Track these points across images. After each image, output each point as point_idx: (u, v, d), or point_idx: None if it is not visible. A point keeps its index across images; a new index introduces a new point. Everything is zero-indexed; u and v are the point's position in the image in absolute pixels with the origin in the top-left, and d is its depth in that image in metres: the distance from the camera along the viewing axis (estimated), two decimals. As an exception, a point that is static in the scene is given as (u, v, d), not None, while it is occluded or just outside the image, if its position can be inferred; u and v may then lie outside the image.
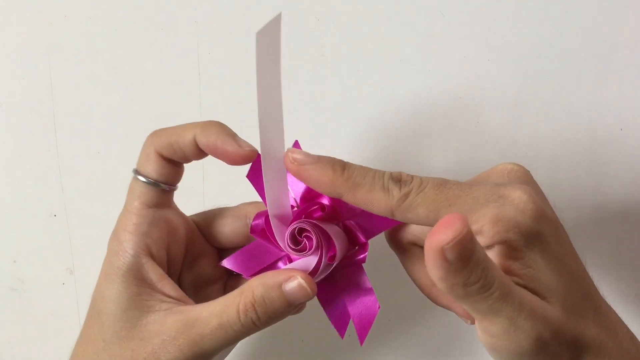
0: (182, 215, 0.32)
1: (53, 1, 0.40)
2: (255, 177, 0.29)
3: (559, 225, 0.27)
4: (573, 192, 0.41)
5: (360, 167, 0.26)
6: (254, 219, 0.30)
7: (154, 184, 0.29)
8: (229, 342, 0.27)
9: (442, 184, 0.26)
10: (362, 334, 0.29)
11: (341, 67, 0.40)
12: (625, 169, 0.41)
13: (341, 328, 0.30)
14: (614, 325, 0.27)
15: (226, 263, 0.31)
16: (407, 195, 0.25)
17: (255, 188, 0.29)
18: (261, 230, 0.29)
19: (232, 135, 0.28)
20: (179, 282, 0.31)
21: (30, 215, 0.40)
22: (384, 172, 0.26)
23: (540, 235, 0.25)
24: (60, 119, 0.40)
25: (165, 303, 0.28)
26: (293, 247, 0.28)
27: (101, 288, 0.29)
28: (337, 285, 0.30)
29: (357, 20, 0.40)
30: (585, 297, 0.26)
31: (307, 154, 0.26)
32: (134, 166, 0.30)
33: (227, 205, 0.33)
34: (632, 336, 0.28)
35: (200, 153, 0.29)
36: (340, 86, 0.41)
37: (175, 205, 0.31)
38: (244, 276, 0.31)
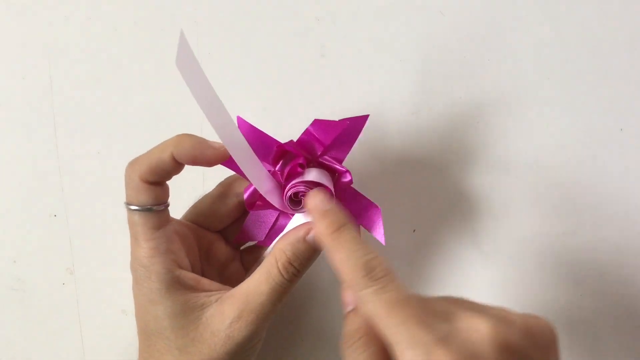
0: (181, 222, 0.34)
1: (53, 1, 0.40)
2: (228, 162, 0.32)
3: None
4: (573, 192, 0.41)
5: (352, 237, 0.28)
6: (245, 192, 0.33)
7: (149, 209, 0.31)
8: (282, 298, 0.31)
9: (396, 303, 0.26)
10: (380, 236, 0.33)
11: (341, 67, 0.41)
12: (625, 169, 0.41)
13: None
14: None
15: (239, 238, 0.35)
16: (365, 286, 0.26)
17: (232, 169, 0.32)
18: (257, 202, 0.33)
19: (205, 141, 0.30)
20: (205, 276, 0.34)
21: (30, 215, 0.40)
22: (366, 253, 0.27)
23: None
24: (60, 119, 0.40)
25: (213, 296, 0.31)
26: (295, 208, 0.32)
27: (149, 312, 0.31)
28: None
29: (357, 20, 0.40)
30: None
31: (323, 202, 0.29)
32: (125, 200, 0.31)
33: (207, 192, 0.35)
34: None
35: (179, 167, 0.31)
36: (340, 86, 0.41)
37: (171, 217, 0.33)
38: (259, 242, 0.35)
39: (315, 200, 0.29)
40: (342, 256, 0.27)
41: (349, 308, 0.29)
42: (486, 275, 0.42)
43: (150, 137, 0.40)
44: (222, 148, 0.30)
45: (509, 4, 0.40)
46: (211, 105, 0.28)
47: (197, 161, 0.30)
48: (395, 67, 0.41)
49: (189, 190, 0.40)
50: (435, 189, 0.41)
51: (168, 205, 0.32)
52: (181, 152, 0.30)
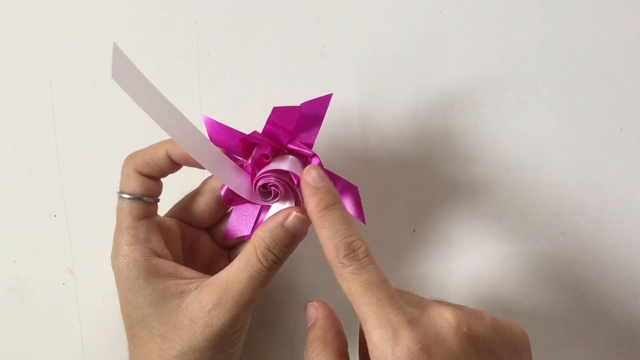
0: (167, 217, 0.35)
1: (53, 1, 0.40)
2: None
3: None
4: (573, 193, 0.41)
5: (339, 216, 0.29)
6: (221, 189, 0.33)
7: (139, 198, 0.32)
8: (263, 287, 0.31)
9: (372, 284, 0.27)
10: (360, 215, 0.33)
11: (341, 67, 0.41)
12: (625, 169, 0.41)
13: None
14: None
15: (226, 237, 0.35)
16: (345, 265, 0.28)
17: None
18: (233, 198, 0.33)
19: None
20: None
21: (30, 215, 0.40)
22: (350, 234, 0.28)
23: None
24: (60, 119, 0.40)
25: (192, 283, 0.31)
26: (266, 199, 0.32)
27: (130, 300, 0.31)
28: None
29: (357, 20, 0.40)
30: None
31: (315, 179, 0.29)
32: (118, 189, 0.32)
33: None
34: None
35: (174, 166, 0.32)
36: (340, 86, 0.41)
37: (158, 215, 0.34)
38: (245, 237, 0.35)
39: (308, 177, 0.30)
40: (328, 233, 0.28)
41: (310, 323, 0.31)
42: (486, 275, 0.41)
43: (150, 137, 0.40)
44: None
45: (509, 4, 0.41)
46: (160, 109, 0.28)
47: (189, 162, 0.31)
48: (395, 67, 0.41)
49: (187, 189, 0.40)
50: (435, 189, 0.41)
51: (158, 201, 0.33)
52: (175, 151, 0.31)
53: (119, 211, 0.32)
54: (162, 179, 0.33)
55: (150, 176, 0.32)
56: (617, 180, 0.41)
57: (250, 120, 0.40)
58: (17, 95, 0.40)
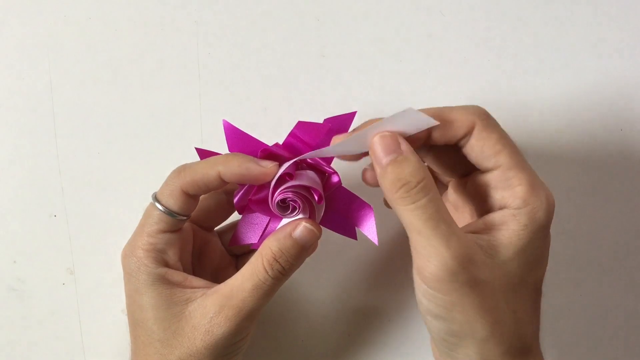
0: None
1: (53, 1, 0.40)
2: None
3: None
4: (573, 193, 0.41)
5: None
6: (234, 196, 0.33)
7: (172, 214, 0.31)
8: (267, 297, 0.31)
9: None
10: (373, 236, 0.32)
11: (341, 67, 0.41)
12: (625, 169, 0.41)
13: (352, 236, 0.34)
14: None
15: (233, 242, 0.34)
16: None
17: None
18: (245, 206, 0.33)
19: (253, 160, 0.30)
20: (196, 276, 0.34)
21: (30, 215, 0.40)
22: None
23: None
24: (60, 119, 0.40)
25: (198, 291, 0.31)
26: (283, 214, 0.31)
27: (135, 301, 0.31)
28: (330, 209, 0.33)
29: (357, 20, 0.40)
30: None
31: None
32: (153, 188, 0.32)
33: None
34: None
35: (223, 184, 0.31)
36: (340, 86, 0.41)
37: None
38: (253, 246, 0.34)
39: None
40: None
41: (389, 158, 0.28)
42: (486, 275, 0.41)
43: (150, 137, 0.40)
44: (271, 165, 0.30)
45: (509, 4, 0.41)
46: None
47: (244, 180, 0.30)
48: (395, 67, 0.41)
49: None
50: (435, 189, 0.41)
51: (189, 217, 0.32)
52: (228, 172, 0.30)
53: (147, 215, 0.32)
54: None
55: (194, 196, 0.31)
56: (617, 180, 0.41)
57: (250, 121, 0.40)
58: (17, 95, 0.40)
